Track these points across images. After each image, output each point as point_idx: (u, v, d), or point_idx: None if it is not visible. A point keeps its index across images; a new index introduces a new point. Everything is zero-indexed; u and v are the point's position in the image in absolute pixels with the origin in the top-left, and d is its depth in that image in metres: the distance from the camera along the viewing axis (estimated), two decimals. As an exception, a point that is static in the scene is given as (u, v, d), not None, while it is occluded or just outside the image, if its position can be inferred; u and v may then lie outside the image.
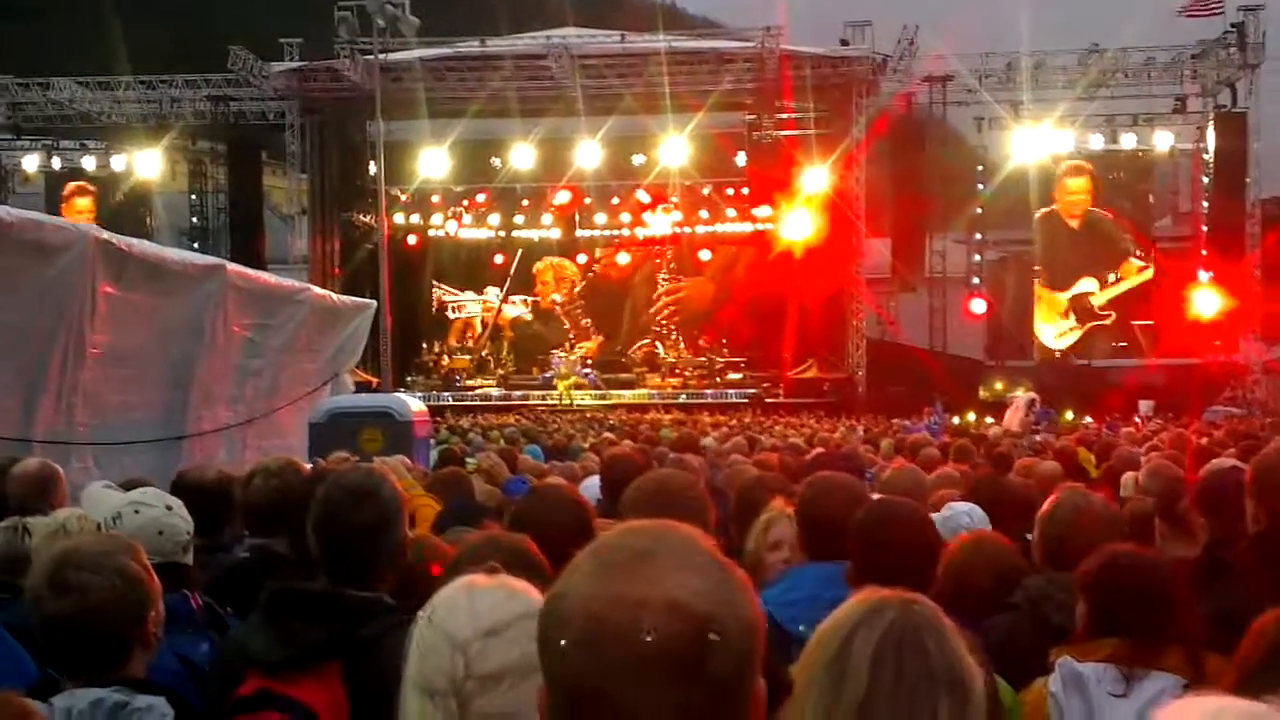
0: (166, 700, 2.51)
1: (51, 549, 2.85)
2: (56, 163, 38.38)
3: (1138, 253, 36.24)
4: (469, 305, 41.07)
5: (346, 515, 2.82)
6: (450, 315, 40.69)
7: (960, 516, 4.62)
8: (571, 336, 40.82)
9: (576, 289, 41.32)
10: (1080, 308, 36.13)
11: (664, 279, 41.10)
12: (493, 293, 41.09)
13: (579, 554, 1.35)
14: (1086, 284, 36.08)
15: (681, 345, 39.91)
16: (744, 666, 1.28)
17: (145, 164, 37.52)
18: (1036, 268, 36.81)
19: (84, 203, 37.47)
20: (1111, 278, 36.05)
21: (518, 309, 41.25)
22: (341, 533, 2.82)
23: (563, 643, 1.26)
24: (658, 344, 39.93)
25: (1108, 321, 36.11)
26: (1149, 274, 36.11)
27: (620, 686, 1.22)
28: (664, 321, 40.59)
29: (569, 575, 1.31)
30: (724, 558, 1.34)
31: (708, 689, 1.24)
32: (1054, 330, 36.46)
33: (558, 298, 41.28)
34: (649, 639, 1.22)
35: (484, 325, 41.02)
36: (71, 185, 37.71)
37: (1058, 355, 36.24)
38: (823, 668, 1.68)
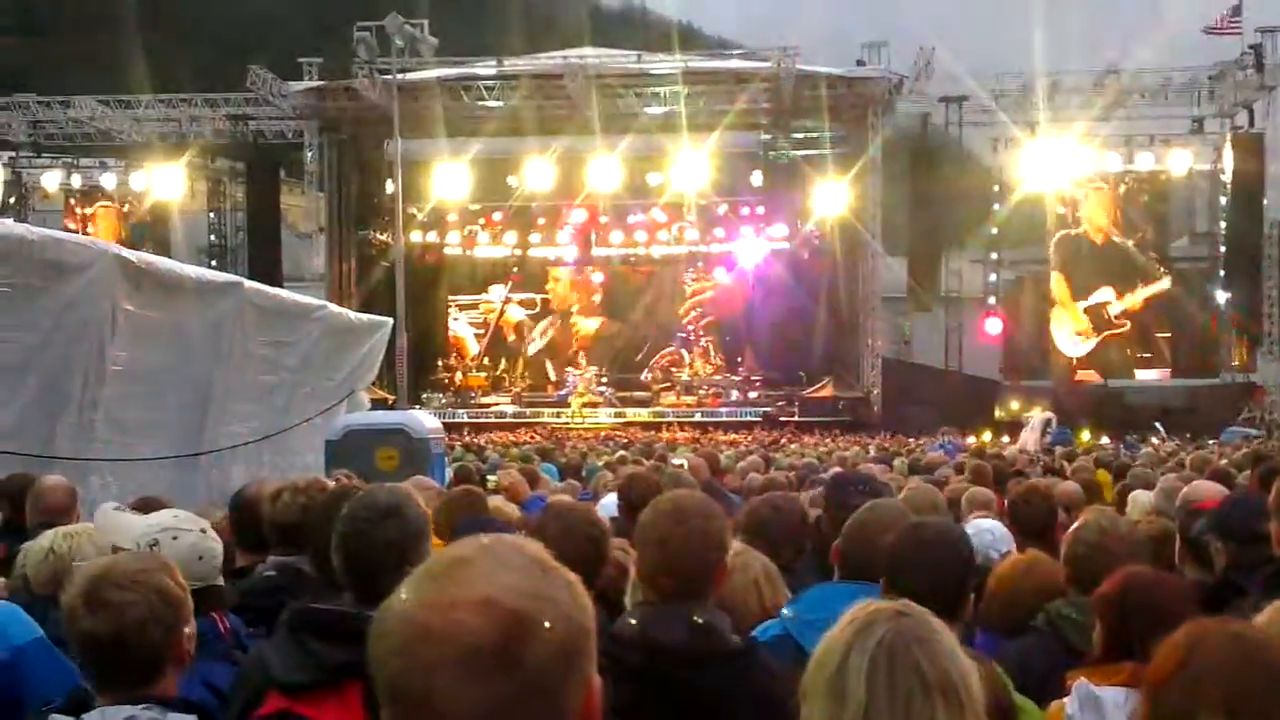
0: (198, 718, 2.52)
1: (83, 567, 2.85)
2: (76, 180, 38.71)
3: (1159, 268, 36.31)
4: (457, 324, 41.02)
5: (372, 532, 2.81)
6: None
7: (983, 534, 4.62)
8: (575, 309, 40.76)
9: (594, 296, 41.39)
10: (1097, 317, 36.13)
11: (691, 278, 40.93)
12: (496, 291, 41.00)
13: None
14: (1104, 294, 36.09)
15: (712, 351, 39.79)
16: (567, 663, 1.26)
17: (164, 182, 37.79)
18: (1054, 275, 36.71)
19: (106, 221, 37.85)
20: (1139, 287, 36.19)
21: (520, 312, 41.16)
22: (366, 550, 2.81)
23: (384, 651, 1.25)
24: (683, 351, 39.81)
25: (1123, 330, 36.07)
26: (1166, 283, 36.07)
27: (438, 687, 1.21)
28: (691, 326, 40.53)
29: (396, 589, 1.31)
30: (553, 562, 1.33)
31: (526, 685, 1.22)
32: (1070, 338, 36.41)
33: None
34: (463, 637, 1.21)
35: (485, 328, 40.99)
36: (97, 205, 38.10)
37: (1074, 362, 36.15)
38: (824, 685, 1.79)
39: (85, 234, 30.35)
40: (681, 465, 9.82)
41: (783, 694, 1.94)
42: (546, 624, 1.24)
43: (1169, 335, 36.32)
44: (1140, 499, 7.04)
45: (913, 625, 1.83)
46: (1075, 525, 3.98)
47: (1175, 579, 3.56)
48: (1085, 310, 36.18)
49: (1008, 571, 3.89)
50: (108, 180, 38.42)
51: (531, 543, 1.36)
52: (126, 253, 7.82)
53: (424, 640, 1.22)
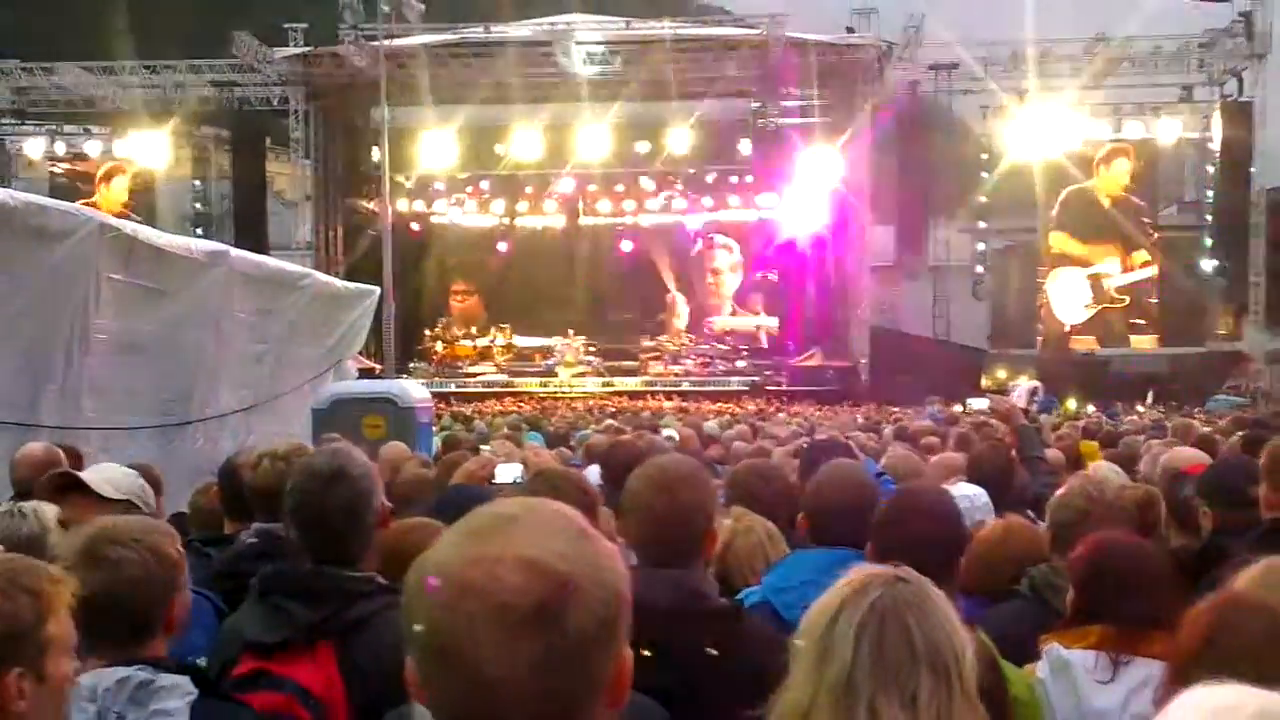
0: (190, 681, 2.53)
1: (84, 526, 2.84)
2: (60, 148, 38.34)
3: (1154, 237, 36.20)
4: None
5: (319, 499, 2.83)
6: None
7: (961, 502, 4.61)
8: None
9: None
10: (1097, 287, 36.06)
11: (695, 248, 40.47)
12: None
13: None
14: (1107, 265, 35.97)
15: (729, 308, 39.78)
16: (603, 631, 1.27)
17: (149, 150, 37.48)
18: (1056, 235, 36.58)
19: (121, 182, 37.48)
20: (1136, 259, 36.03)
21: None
22: (316, 516, 2.83)
23: (422, 604, 1.26)
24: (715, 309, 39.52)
25: (1120, 306, 36.07)
26: (1153, 270, 36.05)
27: (477, 643, 1.22)
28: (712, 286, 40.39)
29: (438, 543, 1.32)
30: (595, 530, 1.35)
31: (564, 648, 1.24)
32: (1068, 304, 36.32)
33: None
34: (504, 595, 1.22)
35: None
36: (109, 165, 37.67)
37: (1068, 328, 36.12)
38: (811, 645, 1.77)
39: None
40: (671, 437, 9.80)
41: (767, 656, 1.93)
42: (589, 591, 1.25)
43: (1156, 302, 36.38)
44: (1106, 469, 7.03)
45: (909, 592, 1.80)
46: (1061, 490, 4.00)
47: (1147, 544, 3.57)
48: (1089, 277, 36.07)
49: (986, 536, 3.90)
50: (92, 148, 38.07)
51: (574, 509, 1.37)
52: (112, 220, 7.77)
53: (465, 594, 1.23)
